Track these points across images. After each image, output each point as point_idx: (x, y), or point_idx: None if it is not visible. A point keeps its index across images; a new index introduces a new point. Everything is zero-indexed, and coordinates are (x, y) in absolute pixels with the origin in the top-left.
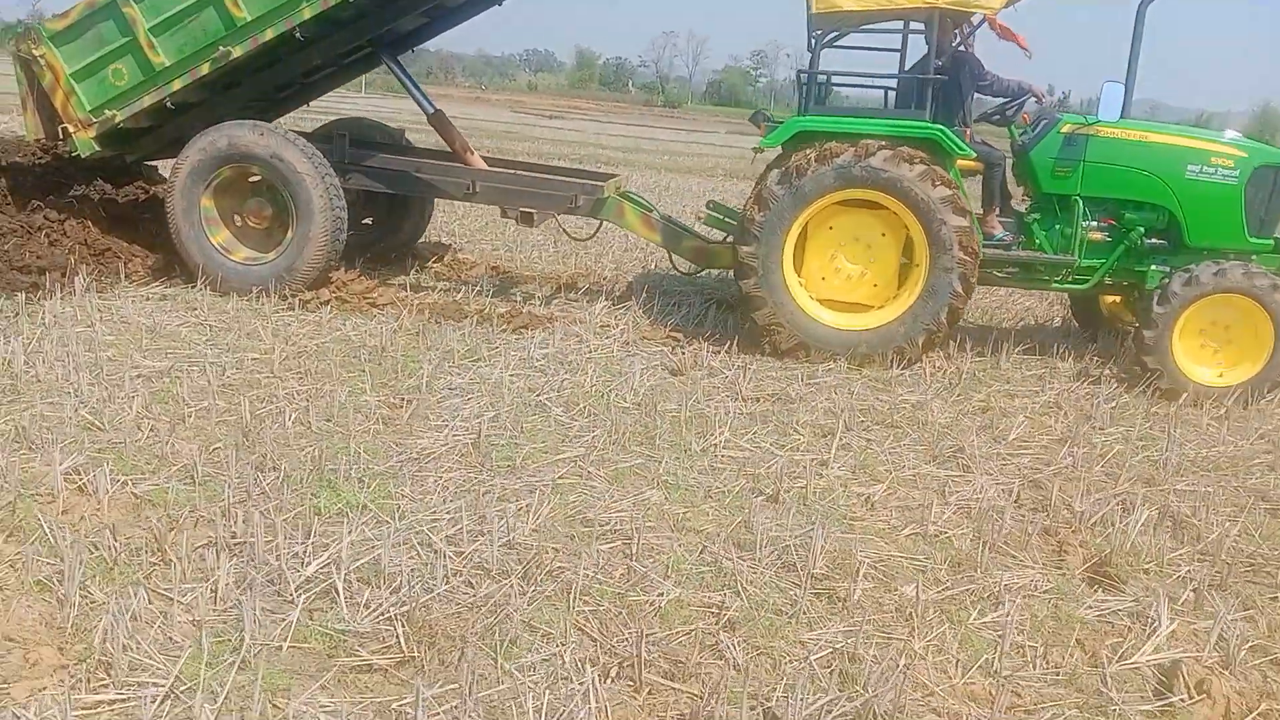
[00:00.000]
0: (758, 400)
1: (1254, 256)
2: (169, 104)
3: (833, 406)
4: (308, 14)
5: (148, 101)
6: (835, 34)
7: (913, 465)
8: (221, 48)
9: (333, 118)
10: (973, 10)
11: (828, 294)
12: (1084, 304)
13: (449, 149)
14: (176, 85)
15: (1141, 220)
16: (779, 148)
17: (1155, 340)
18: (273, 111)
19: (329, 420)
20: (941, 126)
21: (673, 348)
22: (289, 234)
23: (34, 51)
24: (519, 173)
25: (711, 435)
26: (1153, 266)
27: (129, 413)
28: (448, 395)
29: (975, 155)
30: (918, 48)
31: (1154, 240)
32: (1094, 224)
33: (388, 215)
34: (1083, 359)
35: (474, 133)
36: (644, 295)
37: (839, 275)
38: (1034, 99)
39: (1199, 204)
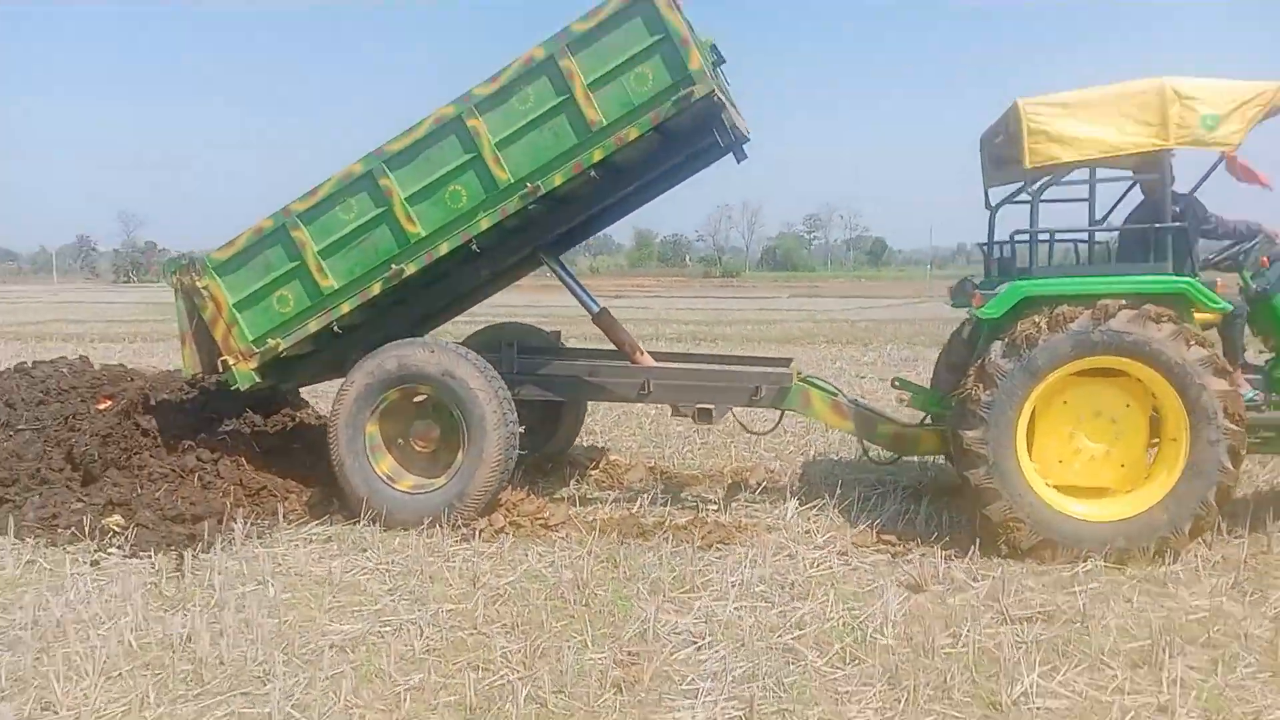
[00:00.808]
0: (1031, 621)
1: None
2: (335, 327)
3: (1125, 624)
4: (485, 225)
5: (314, 327)
6: (1049, 183)
7: (1273, 701)
8: (394, 266)
9: (484, 323)
10: (1208, 148)
11: (1068, 479)
12: None
13: (615, 348)
14: (345, 308)
15: None
16: (998, 317)
17: None
18: (433, 323)
19: (560, 692)
20: (1190, 279)
21: (893, 553)
22: (459, 456)
23: (197, 283)
24: (695, 367)
25: (1012, 679)
26: None
27: (336, 700)
28: (679, 644)
29: (1232, 307)
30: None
31: None
32: None
33: (542, 422)
34: None
35: (550, 319)
36: (833, 490)
37: (1079, 456)
38: (1265, 239)
39: None
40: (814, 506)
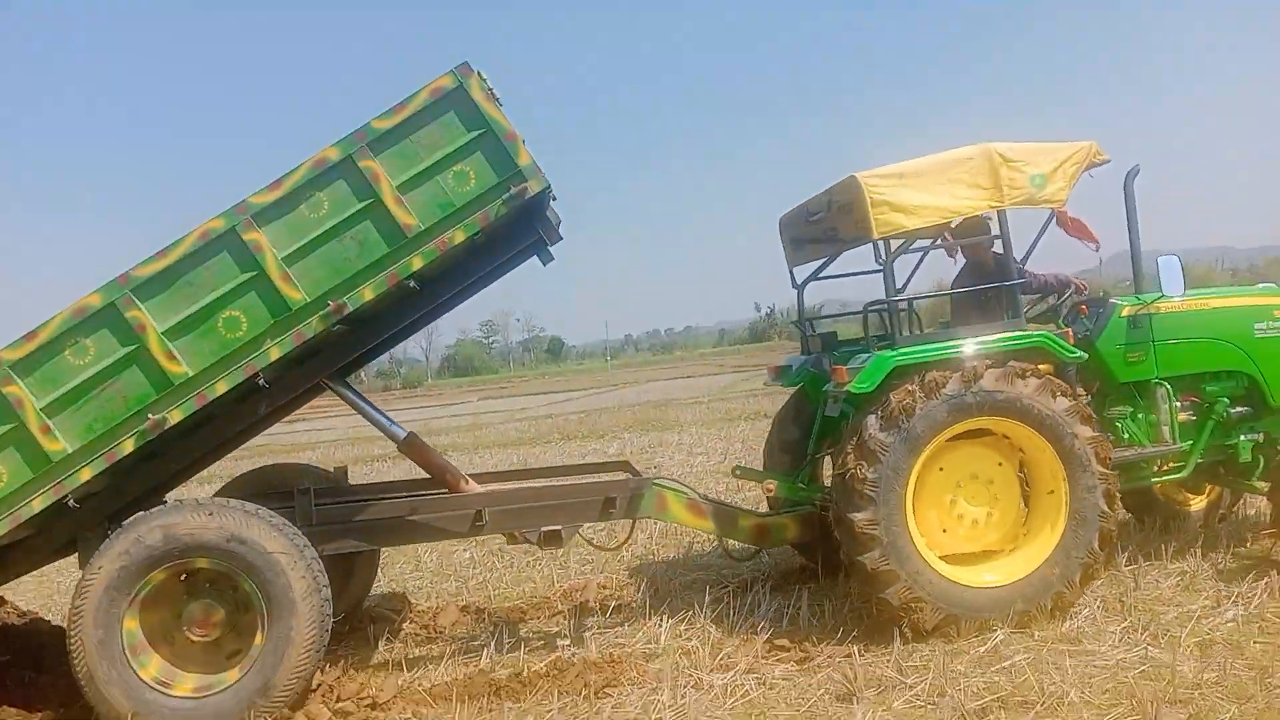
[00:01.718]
0: (986, 712)
1: None
2: (71, 501)
3: (1088, 695)
4: (275, 354)
5: (39, 505)
6: (899, 251)
7: None
8: (152, 416)
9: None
10: (1039, 206)
11: (953, 548)
12: (1141, 493)
13: (429, 476)
14: (85, 474)
15: (1223, 390)
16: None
17: None
18: (183, 477)
19: None
20: (1044, 332)
21: (798, 661)
22: (258, 640)
23: None
24: (536, 485)
25: None
26: (1243, 437)
27: None
28: None
29: (1085, 356)
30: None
31: (1238, 409)
32: (1179, 404)
33: (332, 576)
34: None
35: (296, 448)
36: (686, 598)
37: (962, 523)
38: (1075, 290)
39: (1275, 362)
40: (681, 621)
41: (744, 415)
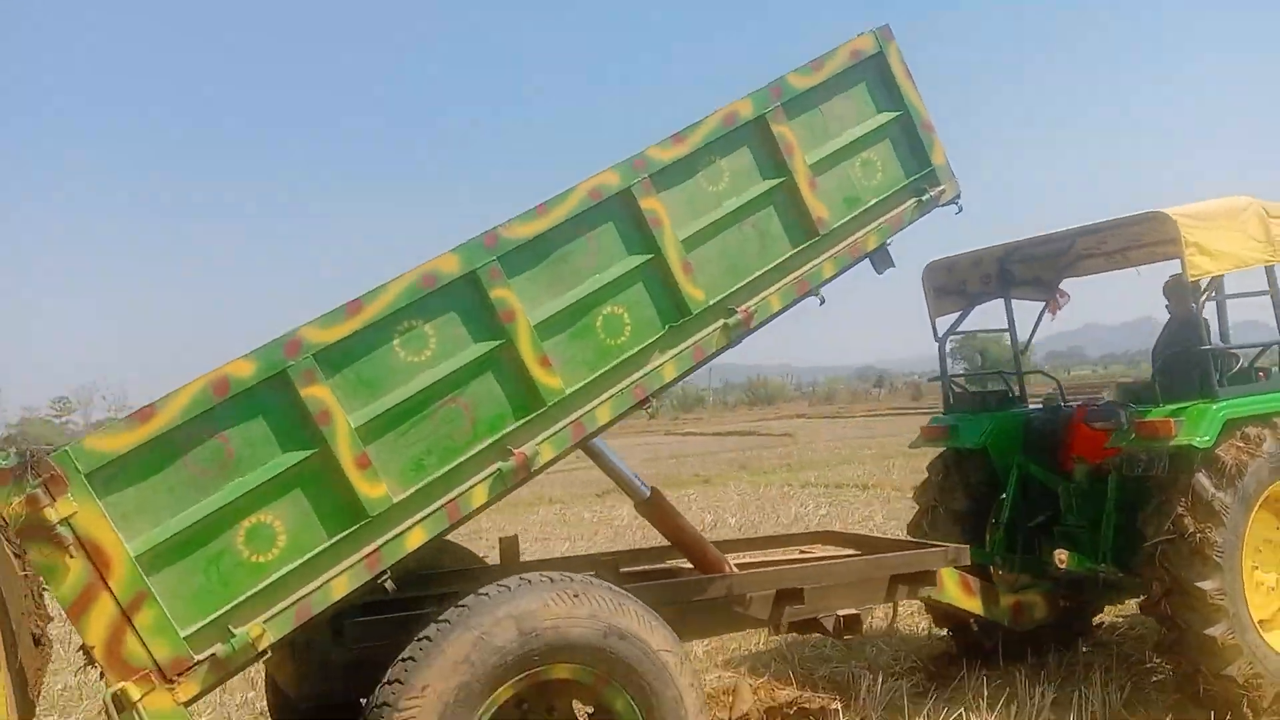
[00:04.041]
0: None
1: None
2: (389, 583)
3: None
4: (670, 375)
5: (342, 588)
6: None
7: None
8: (517, 450)
9: None
10: None
11: (1256, 616)
12: None
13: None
14: (416, 539)
15: None
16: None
17: None
18: None
19: None
20: None
21: None
22: None
23: (45, 514)
24: (843, 558)
25: None
26: None
27: None
28: None
29: None
30: None
31: None
32: None
33: None
34: None
35: None
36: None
37: (1259, 590)
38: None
39: None
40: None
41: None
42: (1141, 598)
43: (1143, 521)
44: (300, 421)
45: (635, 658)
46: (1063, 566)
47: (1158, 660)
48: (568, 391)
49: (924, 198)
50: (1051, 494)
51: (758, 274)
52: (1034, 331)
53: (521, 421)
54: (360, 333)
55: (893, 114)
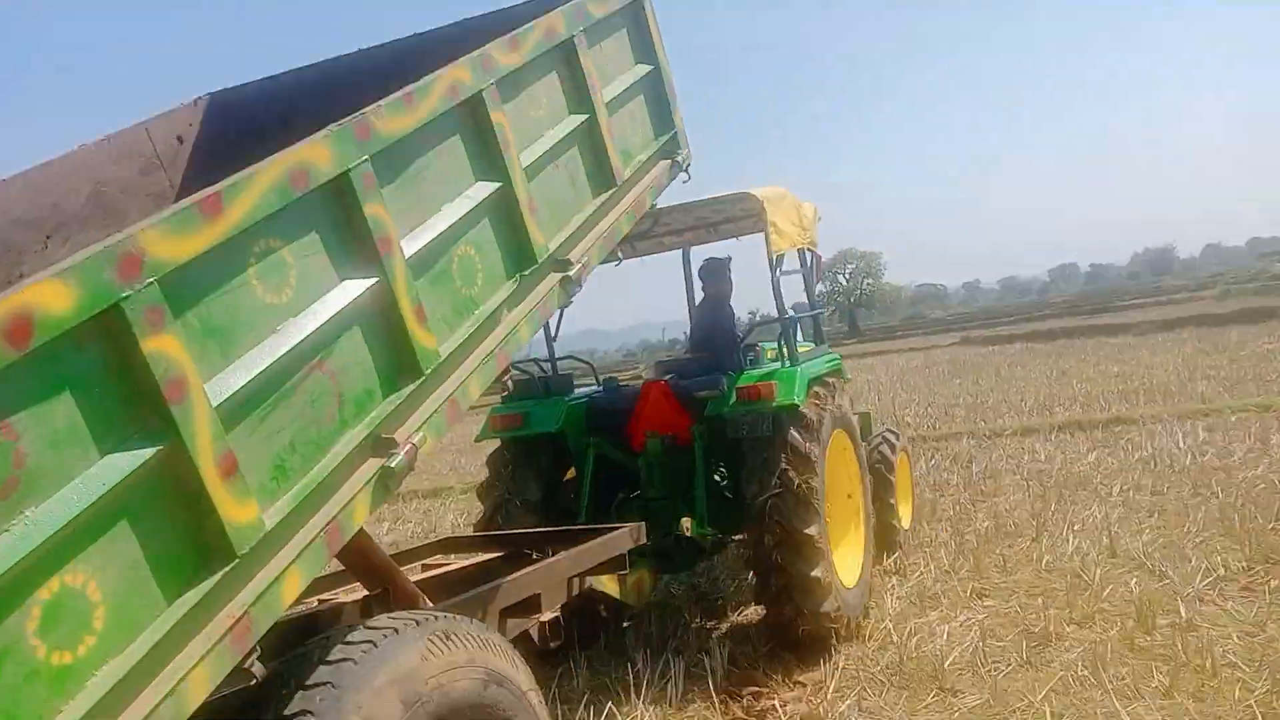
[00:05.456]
0: None
1: None
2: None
3: None
4: (526, 336)
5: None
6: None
7: None
8: (403, 440)
9: None
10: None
11: None
12: None
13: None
14: (293, 586)
15: None
16: None
17: None
18: None
19: None
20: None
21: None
22: None
23: None
24: (555, 560)
25: None
26: None
27: None
28: None
29: None
30: None
31: None
32: None
33: None
34: None
35: None
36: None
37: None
38: None
39: None
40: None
41: None
42: (749, 553)
43: (746, 479)
44: (137, 397)
45: (512, 707)
46: (687, 535)
47: (740, 616)
48: (444, 355)
49: (674, 159)
50: (623, 471)
51: (575, 225)
52: (559, 324)
53: (402, 397)
54: (215, 251)
55: (647, 68)
